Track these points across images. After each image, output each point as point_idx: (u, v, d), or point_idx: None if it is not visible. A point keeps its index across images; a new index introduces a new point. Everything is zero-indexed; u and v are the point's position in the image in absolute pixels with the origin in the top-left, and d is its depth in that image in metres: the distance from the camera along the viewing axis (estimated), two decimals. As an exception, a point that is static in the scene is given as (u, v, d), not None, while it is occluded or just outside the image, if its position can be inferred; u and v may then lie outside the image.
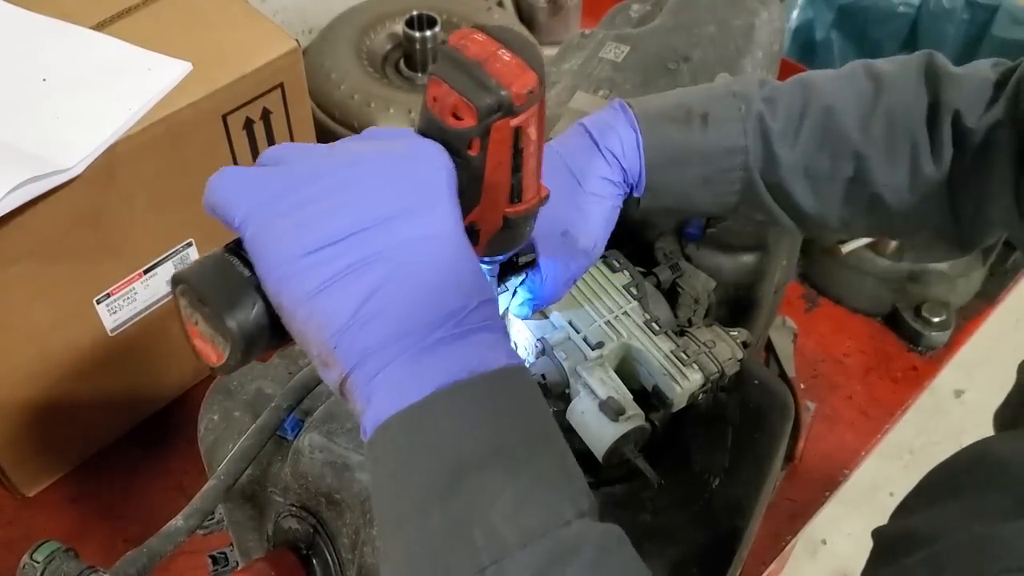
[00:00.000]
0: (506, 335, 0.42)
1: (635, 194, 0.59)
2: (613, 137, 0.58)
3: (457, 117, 0.43)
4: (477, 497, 0.37)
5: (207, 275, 0.43)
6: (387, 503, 0.39)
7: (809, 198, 0.59)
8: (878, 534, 0.51)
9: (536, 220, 0.48)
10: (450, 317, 0.39)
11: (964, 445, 0.53)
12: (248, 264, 0.43)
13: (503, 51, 0.43)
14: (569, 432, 0.55)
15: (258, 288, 0.42)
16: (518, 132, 0.43)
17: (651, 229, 0.71)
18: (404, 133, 0.45)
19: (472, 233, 0.45)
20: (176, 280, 0.44)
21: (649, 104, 0.60)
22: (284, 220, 0.40)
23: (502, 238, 0.46)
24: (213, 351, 0.44)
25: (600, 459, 0.54)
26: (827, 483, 0.88)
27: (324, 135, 1.01)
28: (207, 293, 0.42)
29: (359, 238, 0.40)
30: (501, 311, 0.55)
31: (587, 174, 0.57)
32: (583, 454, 0.53)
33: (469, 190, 0.44)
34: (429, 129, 0.44)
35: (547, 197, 0.48)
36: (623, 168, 0.58)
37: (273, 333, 0.43)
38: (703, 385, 0.58)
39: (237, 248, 0.43)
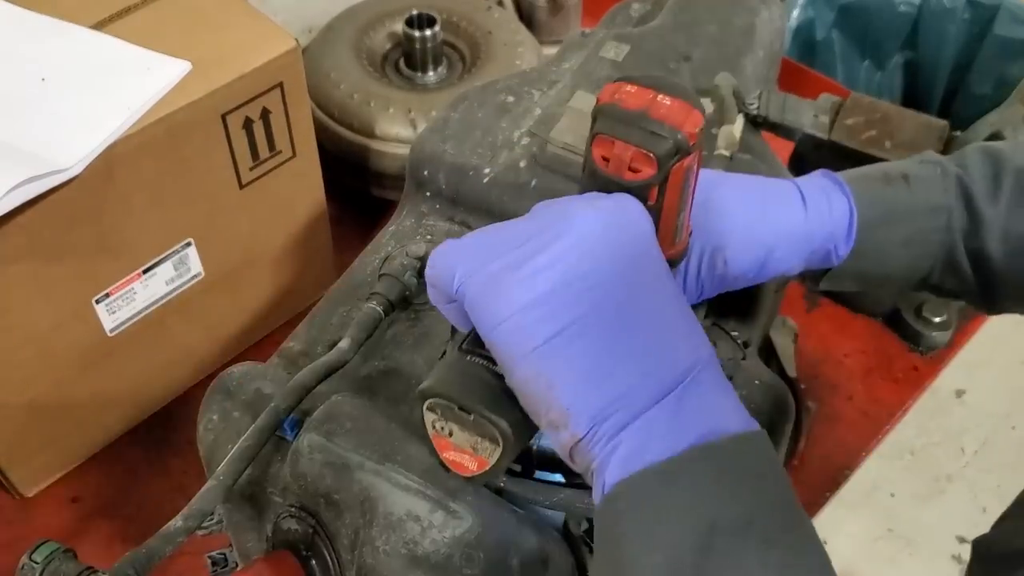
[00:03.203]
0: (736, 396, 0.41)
1: (834, 259, 0.57)
2: (820, 196, 0.56)
3: (634, 170, 0.43)
4: (731, 565, 0.36)
5: (458, 382, 0.43)
6: (634, 558, 0.37)
7: (1008, 263, 0.57)
8: (983, 544, 0.51)
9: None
10: (688, 372, 0.39)
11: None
12: (487, 358, 0.42)
13: (661, 96, 0.43)
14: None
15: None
16: (687, 172, 0.44)
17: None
18: (588, 197, 0.44)
19: None
20: (425, 395, 0.43)
21: (846, 173, 0.59)
22: (503, 275, 0.40)
23: None
24: (472, 460, 0.44)
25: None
26: (828, 483, 0.88)
27: (324, 135, 1.01)
28: (467, 401, 0.42)
29: (582, 290, 0.39)
30: None
31: (774, 217, 0.55)
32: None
33: None
34: (603, 189, 0.44)
35: (691, 232, 0.48)
36: (828, 229, 0.56)
37: (534, 423, 0.42)
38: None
39: (471, 347, 0.43)
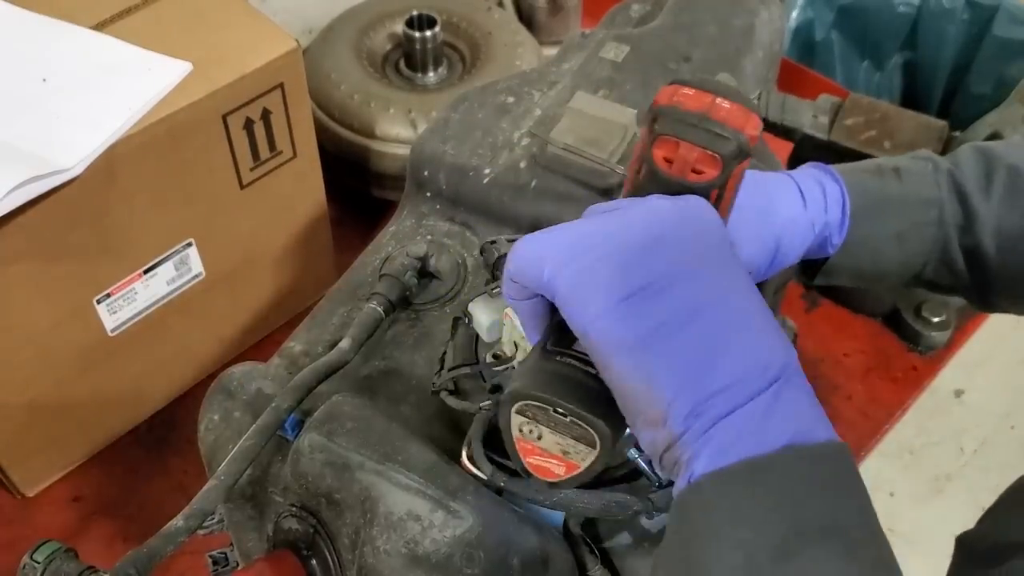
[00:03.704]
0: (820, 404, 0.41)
1: (829, 248, 0.57)
2: (814, 184, 0.57)
3: (698, 171, 0.43)
4: (809, 571, 0.36)
5: (554, 384, 0.42)
6: (711, 552, 0.37)
7: (1001, 259, 0.57)
8: (967, 540, 0.51)
9: None
10: (781, 372, 0.38)
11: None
12: (575, 357, 0.42)
13: (719, 99, 0.43)
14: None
15: (599, 380, 0.41)
16: (743, 173, 0.44)
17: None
18: (657, 196, 0.44)
19: None
20: (516, 398, 0.42)
21: (838, 166, 0.59)
22: (594, 270, 0.40)
23: None
24: (562, 464, 0.44)
25: (644, 468, 0.54)
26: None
27: (324, 135, 1.01)
28: (563, 402, 0.41)
29: (678, 285, 0.39)
30: None
31: (778, 208, 0.56)
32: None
33: None
34: (665, 191, 0.44)
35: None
36: (825, 218, 0.57)
37: (621, 422, 0.42)
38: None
39: (561, 348, 0.43)
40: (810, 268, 0.61)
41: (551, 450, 0.44)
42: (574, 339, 0.43)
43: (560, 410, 0.42)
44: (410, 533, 0.52)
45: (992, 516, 0.53)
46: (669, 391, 0.38)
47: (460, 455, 0.54)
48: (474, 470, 0.54)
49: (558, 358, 0.43)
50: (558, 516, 0.57)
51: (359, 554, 0.54)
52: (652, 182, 0.44)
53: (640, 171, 0.45)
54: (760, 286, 0.72)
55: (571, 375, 0.42)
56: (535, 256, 0.41)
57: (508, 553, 0.52)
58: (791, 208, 0.56)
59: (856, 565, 0.36)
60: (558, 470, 0.44)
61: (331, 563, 0.56)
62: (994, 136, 0.92)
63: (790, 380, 0.39)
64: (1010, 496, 0.53)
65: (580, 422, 0.41)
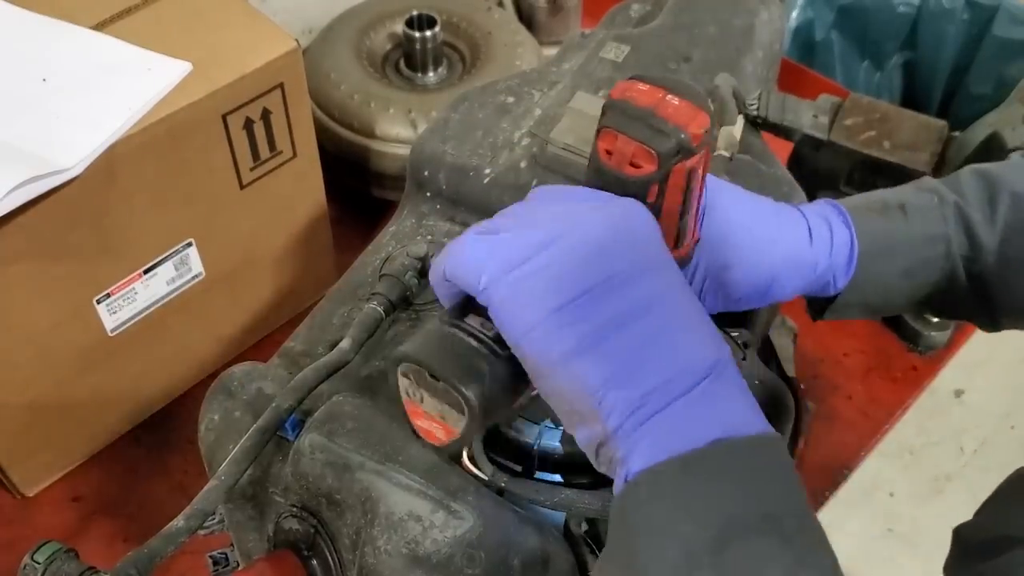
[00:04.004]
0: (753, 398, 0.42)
1: (831, 290, 0.58)
2: (822, 224, 0.57)
3: (635, 166, 0.43)
4: (747, 560, 0.37)
5: (435, 351, 0.43)
6: (651, 547, 0.38)
7: (1006, 285, 0.57)
8: (964, 532, 0.52)
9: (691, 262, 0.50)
10: (712, 369, 0.40)
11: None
12: (471, 334, 0.43)
13: (670, 96, 0.43)
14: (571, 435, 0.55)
15: (487, 356, 0.43)
16: (691, 174, 0.44)
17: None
18: (586, 192, 0.45)
19: None
20: (400, 359, 0.44)
21: (844, 201, 0.59)
22: (530, 282, 0.41)
23: None
24: (441, 428, 0.45)
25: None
26: (827, 483, 0.88)
27: (324, 135, 1.01)
28: (438, 368, 0.43)
29: (606, 295, 0.40)
30: None
31: (783, 242, 0.55)
32: (585, 456, 0.53)
33: None
34: (605, 183, 0.45)
35: (699, 240, 0.49)
36: (828, 261, 0.56)
37: (504, 399, 0.44)
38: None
39: (455, 320, 0.44)
40: (817, 304, 0.62)
41: (432, 413, 0.45)
42: (469, 311, 0.45)
43: (434, 375, 0.43)
44: (411, 533, 0.52)
45: (989, 509, 0.53)
46: (601, 390, 0.39)
47: (460, 455, 0.55)
48: (475, 470, 0.54)
49: (447, 327, 0.44)
50: (559, 516, 0.57)
51: (360, 554, 0.54)
52: (595, 174, 0.45)
53: (589, 163, 0.46)
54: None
55: (454, 345, 0.44)
56: (474, 262, 0.42)
57: (509, 553, 0.52)
58: (796, 245, 0.56)
59: (791, 552, 0.37)
60: (439, 434, 0.45)
61: (332, 563, 0.56)
62: (994, 136, 0.92)
63: (721, 376, 0.40)
64: (1007, 489, 0.53)
65: (450, 388, 0.43)
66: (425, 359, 0.43)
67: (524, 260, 0.41)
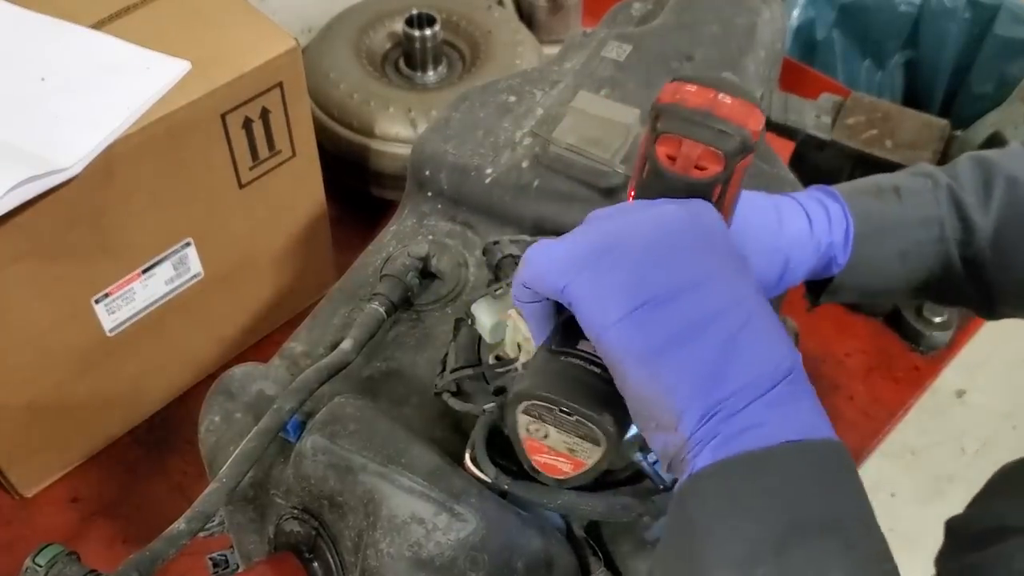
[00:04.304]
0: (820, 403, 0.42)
1: (834, 268, 0.58)
2: (818, 206, 0.57)
3: (701, 168, 0.43)
4: (810, 563, 0.36)
5: (557, 383, 0.42)
6: (713, 541, 0.38)
7: (1001, 269, 0.58)
8: (955, 524, 0.52)
9: None
10: (786, 374, 0.39)
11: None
12: (590, 361, 0.42)
13: (722, 95, 0.43)
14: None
15: (605, 379, 0.41)
16: (746, 169, 0.44)
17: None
18: (662, 201, 0.44)
19: None
20: (522, 398, 0.43)
21: (838, 186, 0.59)
22: (610, 277, 0.40)
23: None
24: (568, 461, 0.44)
25: (646, 468, 0.54)
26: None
27: (323, 134, 1.00)
28: (569, 402, 0.42)
29: (686, 294, 0.40)
30: None
31: (786, 227, 0.56)
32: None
33: None
34: (669, 188, 0.44)
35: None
36: (829, 238, 0.57)
37: (626, 422, 0.42)
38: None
39: (566, 348, 0.43)
40: (815, 289, 0.62)
41: (558, 448, 0.44)
42: (579, 339, 0.44)
43: (565, 409, 0.42)
44: (414, 536, 0.51)
45: (979, 502, 0.53)
46: (682, 399, 0.39)
47: (463, 457, 0.54)
48: (478, 473, 0.54)
49: (563, 358, 0.43)
50: (562, 519, 0.57)
51: (362, 557, 0.53)
52: (656, 180, 0.45)
53: (644, 169, 0.45)
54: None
55: (576, 375, 0.43)
56: (550, 263, 0.42)
57: (512, 556, 0.52)
58: (798, 228, 0.57)
59: (854, 559, 0.37)
60: (565, 467, 0.45)
61: (333, 566, 0.56)
62: (995, 135, 0.92)
63: (794, 381, 0.40)
64: (997, 481, 0.53)
65: (585, 421, 0.42)
66: (553, 394, 0.42)
67: (601, 257, 0.41)
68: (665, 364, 0.39)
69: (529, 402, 0.43)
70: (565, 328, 0.44)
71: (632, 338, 0.39)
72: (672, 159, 0.44)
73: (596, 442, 0.42)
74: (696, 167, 0.43)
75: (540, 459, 0.45)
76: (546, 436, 0.44)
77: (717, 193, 0.44)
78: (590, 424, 0.42)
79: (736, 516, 0.37)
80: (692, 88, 0.44)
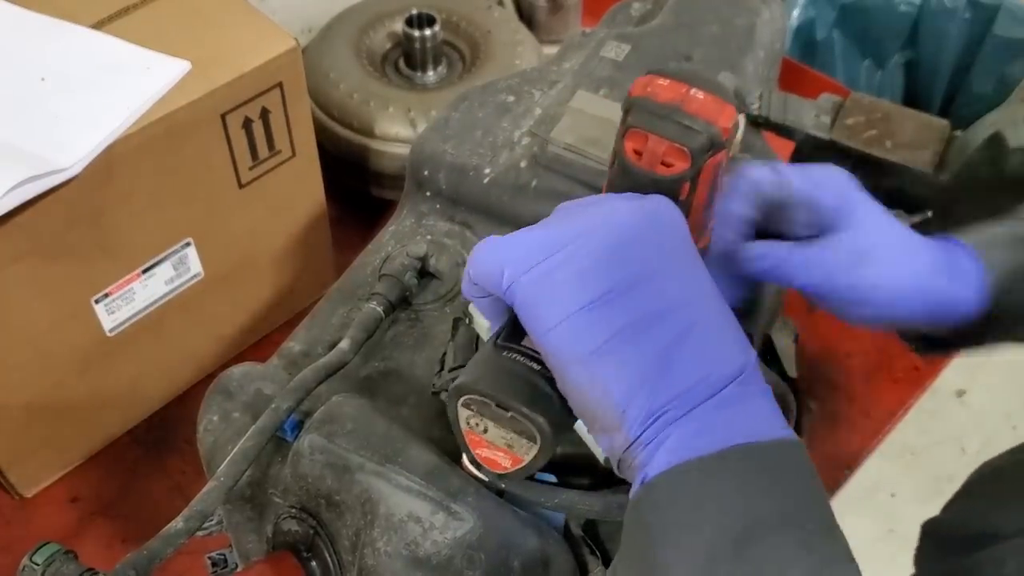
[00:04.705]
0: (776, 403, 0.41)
1: (953, 319, 0.54)
2: (950, 251, 0.54)
3: (667, 164, 0.42)
4: (769, 561, 0.36)
5: (497, 379, 0.42)
6: (671, 547, 0.37)
7: None
8: (935, 527, 0.51)
9: None
10: (736, 375, 0.39)
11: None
12: (531, 357, 0.42)
13: (694, 90, 0.42)
14: (572, 435, 0.55)
15: (550, 379, 0.41)
16: (718, 167, 0.43)
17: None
18: (612, 196, 0.44)
19: None
20: (461, 391, 0.43)
21: (973, 234, 0.56)
22: (554, 277, 0.40)
23: None
24: (507, 456, 0.44)
25: (602, 462, 0.54)
26: (828, 483, 0.88)
27: (323, 134, 1.00)
28: (504, 398, 0.42)
29: (634, 291, 0.39)
30: None
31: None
32: (586, 457, 0.53)
33: None
34: (636, 184, 0.43)
35: (712, 227, 0.48)
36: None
37: (570, 419, 0.42)
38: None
39: (507, 343, 0.43)
40: (934, 338, 0.58)
41: (496, 443, 0.44)
42: (524, 334, 0.43)
43: (501, 405, 0.42)
44: (411, 535, 0.51)
45: (959, 503, 0.53)
46: (624, 398, 0.38)
47: (461, 457, 0.54)
48: (475, 472, 0.54)
49: (505, 353, 0.43)
50: (559, 517, 0.57)
51: (359, 556, 0.53)
52: (624, 176, 0.44)
53: (614, 164, 0.45)
54: (760, 286, 0.72)
55: (516, 371, 0.42)
56: (495, 260, 0.42)
57: (509, 555, 0.52)
58: (933, 261, 0.53)
59: (814, 555, 0.36)
60: (504, 462, 0.45)
61: (331, 565, 0.56)
62: (996, 135, 0.92)
63: (745, 381, 0.39)
64: (976, 483, 0.53)
65: (520, 418, 0.42)
66: (489, 390, 0.42)
67: (548, 256, 0.40)
68: (605, 365, 0.38)
69: (467, 396, 0.43)
70: (513, 323, 0.44)
71: (572, 341, 0.39)
72: (639, 154, 0.43)
73: (532, 439, 0.42)
74: (662, 163, 0.43)
75: (481, 452, 0.45)
76: (485, 431, 0.44)
77: (686, 191, 0.43)
78: (525, 421, 0.42)
79: (692, 520, 0.37)
80: (664, 82, 0.43)
